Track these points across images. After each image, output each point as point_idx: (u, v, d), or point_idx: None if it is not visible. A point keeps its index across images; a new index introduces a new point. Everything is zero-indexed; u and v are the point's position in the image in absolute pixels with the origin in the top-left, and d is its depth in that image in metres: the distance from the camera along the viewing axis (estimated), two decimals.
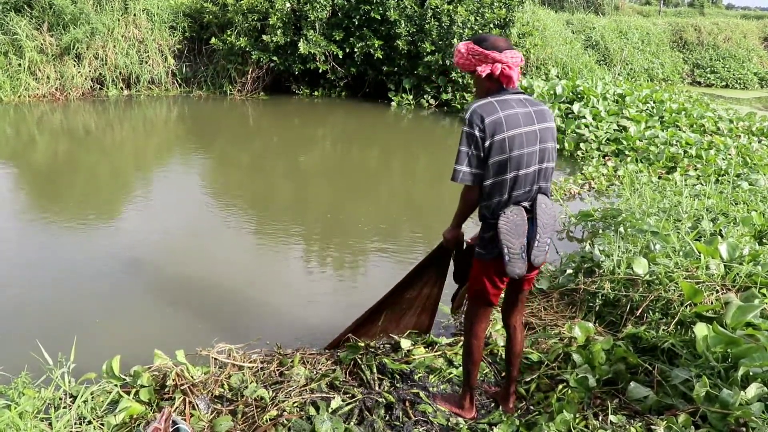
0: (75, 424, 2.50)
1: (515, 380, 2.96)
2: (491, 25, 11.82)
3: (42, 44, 11.34)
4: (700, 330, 2.84)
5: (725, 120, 10.05)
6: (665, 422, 2.38)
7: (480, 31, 11.59)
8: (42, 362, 2.70)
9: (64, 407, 2.60)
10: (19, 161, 7.87)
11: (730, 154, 7.74)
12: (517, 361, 2.89)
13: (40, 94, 11.27)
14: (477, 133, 2.35)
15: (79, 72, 11.64)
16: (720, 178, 6.65)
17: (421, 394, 3.02)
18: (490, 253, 2.51)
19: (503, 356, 3.38)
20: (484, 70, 2.42)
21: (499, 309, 3.81)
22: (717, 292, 3.37)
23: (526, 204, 2.45)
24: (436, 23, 11.47)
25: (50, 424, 2.45)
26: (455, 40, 11.28)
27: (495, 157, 2.36)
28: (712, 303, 3.22)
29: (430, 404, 2.95)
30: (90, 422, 2.53)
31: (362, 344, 3.36)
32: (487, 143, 2.35)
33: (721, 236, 4.35)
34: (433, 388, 3.12)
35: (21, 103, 10.93)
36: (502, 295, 2.82)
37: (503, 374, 3.22)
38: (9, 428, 2.25)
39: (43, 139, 8.96)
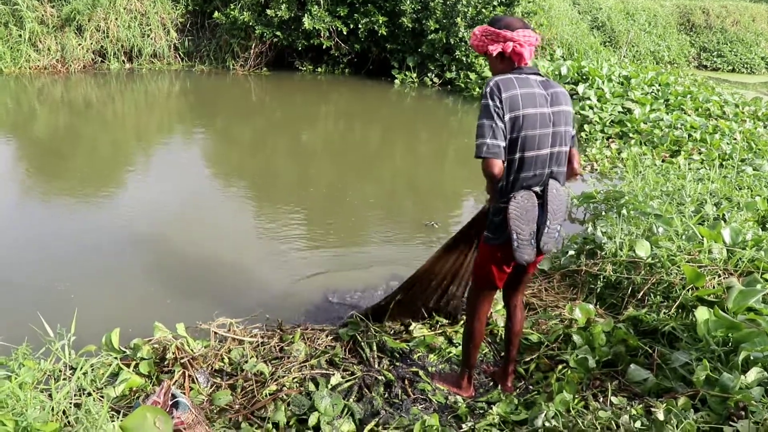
0: (74, 395, 2.50)
1: (514, 360, 2.96)
2: (495, 3, 11.65)
3: (43, 15, 11.19)
4: (702, 314, 2.83)
5: (731, 104, 9.96)
6: (665, 405, 2.39)
7: (484, 10, 11.42)
8: (42, 334, 2.70)
9: (64, 379, 2.60)
10: (19, 133, 7.81)
11: (734, 139, 7.68)
12: (517, 340, 2.89)
13: (41, 66, 11.14)
14: (496, 104, 2.30)
15: (81, 44, 11.50)
16: (724, 163, 6.60)
17: (420, 372, 3.03)
18: (499, 239, 2.48)
19: (503, 336, 3.39)
20: (495, 49, 2.40)
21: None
22: (719, 276, 3.36)
23: (537, 189, 2.40)
24: (441, 1, 11.31)
25: (50, 395, 2.45)
26: (459, 18, 11.13)
27: (508, 134, 2.32)
28: (713, 287, 3.21)
29: (429, 383, 2.96)
30: (90, 394, 2.53)
31: (363, 322, 3.37)
32: (506, 117, 2.30)
33: (725, 221, 4.34)
34: (432, 368, 3.13)
35: (21, 75, 10.82)
36: None
37: (502, 354, 3.23)
38: (9, 399, 2.25)
39: (44, 112, 8.89)
